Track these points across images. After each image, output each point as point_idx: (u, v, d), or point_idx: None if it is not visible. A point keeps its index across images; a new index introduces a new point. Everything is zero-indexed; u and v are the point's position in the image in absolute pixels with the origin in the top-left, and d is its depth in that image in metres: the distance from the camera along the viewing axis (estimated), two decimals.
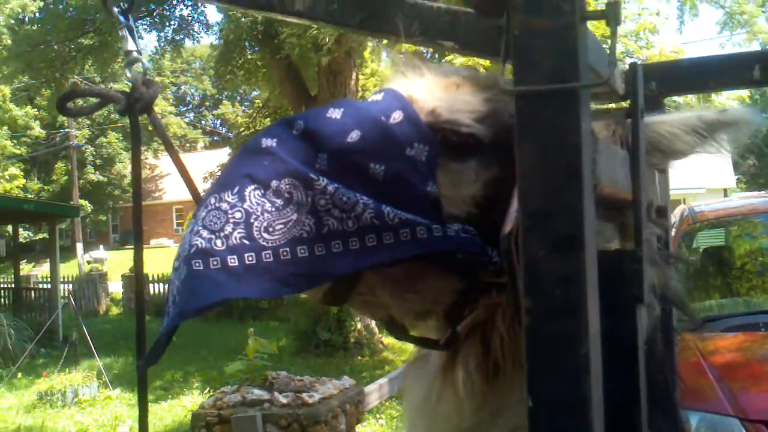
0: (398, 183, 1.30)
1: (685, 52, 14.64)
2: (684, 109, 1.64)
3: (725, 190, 35.33)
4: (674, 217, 7.56)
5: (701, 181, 33.09)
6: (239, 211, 1.24)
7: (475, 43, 1.61)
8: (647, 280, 1.31)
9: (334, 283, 1.37)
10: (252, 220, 1.23)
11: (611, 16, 1.02)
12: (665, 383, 1.53)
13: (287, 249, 1.23)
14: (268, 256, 1.22)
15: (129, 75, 1.87)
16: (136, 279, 2.00)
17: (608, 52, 1.04)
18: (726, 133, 1.49)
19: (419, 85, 1.51)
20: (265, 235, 1.23)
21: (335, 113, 1.37)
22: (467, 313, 1.45)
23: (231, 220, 1.23)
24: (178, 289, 1.25)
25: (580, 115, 0.98)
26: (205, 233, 1.23)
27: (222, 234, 1.23)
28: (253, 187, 1.26)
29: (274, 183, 1.26)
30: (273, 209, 1.25)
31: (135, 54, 1.91)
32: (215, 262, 1.21)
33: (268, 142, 1.31)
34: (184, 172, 1.88)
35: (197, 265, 1.21)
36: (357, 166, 1.30)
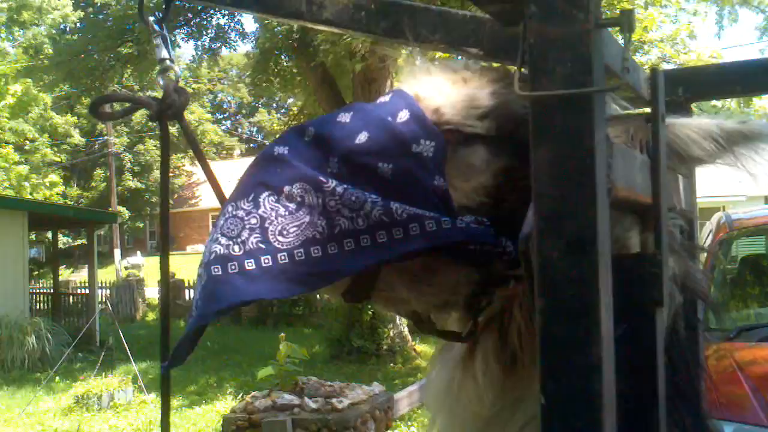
0: (406, 180, 1.33)
1: (724, 57, 14.45)
2: (717, 115, 1.64)
3: (766, 198, 34.66)
4: (711, 224, 7.45)
5: (741, 189, 32.56)
6: (254, 217, 1.30)
7: (499, 50, 1.63)
8: (668, 271, 1.32)
9: (354, 281, 1.42)
10: (267, 225, 1.29)
11: (625, 23, 1.04)
12: (688, 373, 1.52)
13: (301, 250, 1.28)
14: (283, 258, 1.27)
15: (161, 82, 1.93)
16: (162, 280, 2.04)
17: (623, 58, 1.06)
18: (745, 146, 1.44)
19: (426, 83, 1.53)
20: (280, 238, 1.28)
21: (345, 117, 1.42)
22: (485, 304, 1.46)
23: (247, 226, 1.29)
24: (200, 294, 1.30)
25: (594, 120, 1.00)
26: (223, 240, 1.29)
27: (239, 240, 1.28)
28: (267, 193, 1.32)
29: (286, 188, 1.31)
30: (286, 213, 1.30)
31: (168, 62, 1.97)
32: (233, 267, 1.26)
33: (280, 150, 1.37)
34: (212, 178, 1.94)
35: (216, 270, 1.27)
36: (366, 167, 1.34)
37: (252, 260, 1.27)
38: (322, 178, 1.31)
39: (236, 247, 1.28)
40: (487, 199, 1.40)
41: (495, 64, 1.62)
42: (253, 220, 1.30)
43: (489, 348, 1.44)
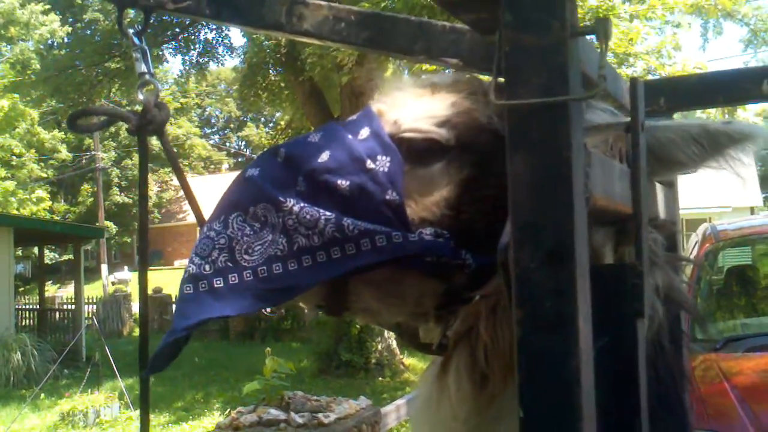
0: (361, 195, 1.39)
1: (709, 68, 14.55)
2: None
3: (752, 209, 34.84)
4: (696, 236, 7.47)
5: (727, 200, 32.73)
6: (224, 237, 1.40)
7: (478, 60, 1.63)
8: (649, 283, 1.32)
9: (328, 294, 1.49)
10: (234, 245, 1.39)
11: (601, 31, 1.03)
12: (674, 385, 1.51)
13: (264, 267, 1.37)
14: (248, 275, 1.37)
15: (141, 97, 1.92)
16: (141, 292, 2.03)
17: (600, 66, 1.05)
18: (730, 148, 1.42)
19: (392, 98, 1.57)
20: (246, 257, 1.38)
21: (315, 137, 1.50)
22: (453, 318, 1.47)
23: (217, 246, 1.40)
24: (175, 311, 1.41)
25: (570, 129, 0.99)
26: (196, 259, 1.40)
27: (210, 259, 1.39)
28: (235, 214, 1.42)
29: (251, 209, 1.41)
30: (251, 233, 1.40)
31: (147, 76, 1.96)
32: (203, 285, 1.38)
33: (252, 172, 1.46)
34: (189, 193, 1.97)
35: (188, 289, 1.38)
36: (327, 184, 1.41)
37: (221, 278, 1.37)
38: (281, 198, 1.39)
39: (207, 266, 1.38)
40: (448, 211, 1.42)
41: (483, 77, 1.61)
42: (222, 240, 1.40)
43: (461, 364, 1.44)
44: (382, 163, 1.41)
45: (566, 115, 0.99)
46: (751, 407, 4.65)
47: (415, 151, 1.45)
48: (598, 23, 1.04)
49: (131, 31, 1.97)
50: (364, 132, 1.46)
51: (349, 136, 1.46)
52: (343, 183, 1.40)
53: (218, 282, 1.37)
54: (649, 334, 1.38)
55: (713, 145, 1.42)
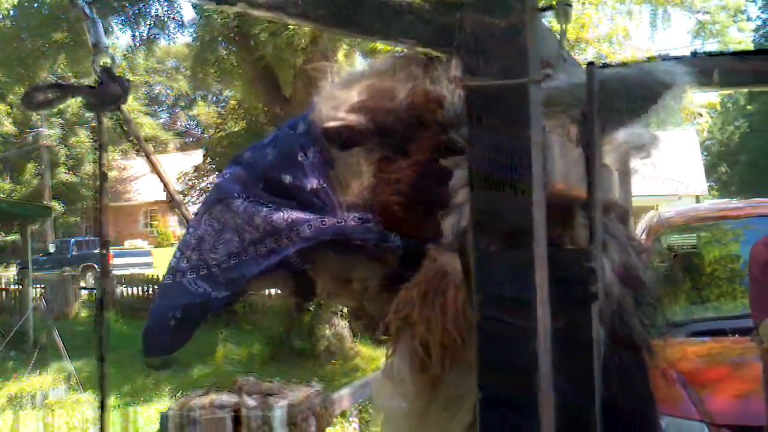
0: (296, 186, 1.54)
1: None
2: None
3: (697, 197, 35.60)
4: (644, 222, 7.59)
5: (674, 188, 33.38)
6: (195, 237, 1.61)
7: (435, 40, 1.61)
8: (605, 265, 1.33)
9: (295, 283, 1.65)
10: (202, 244, 1.59)
11: (561, 13, 1.03)
12: (638, 368, 1.51)
13: (225, 260, 1.56)
14: (214, 267, 1.56)
15: (96, 69, 1.87)
16: (101, 273, 2.03)
17: (559, 47, 1.05)
18: (650, 100, 1.39)
19: (326, 90, 1.68)
20: (212, 255, 1.57)
21: (269, 137, 1.68)
22: (391, 304, 1.50)
23: (191, 243, 1.61)
24: (155, 299, 1.65)
25: (529, 110, 0.99)
26: (177, 254, 1.62)
27: (185, 255, 1.60)
28: (207, 215, 1.61)
29: (215, 208, 1.60)
30: (213, 231, 1.59)
31: (103, 48, 1.90)
32: (179, 277, 1.59)
33: (224, 175, 1.65)
34: (156, 169, 1.98)
35: (168, 279, 1.61)
36: (276, 180, 1.56)
37: (193, 271, 1.58)
38: (230, 199, 1.57)
39: (184, 261, 1.59)
40: (371, 195, 1.53)
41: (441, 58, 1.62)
42: (194, 240, 1.60)
43: (402, 350, 1.49)
44: (312, 154, 1.55)
45: (526, 97, 0.99)
46: (695, 390, 4.76)
47: (341, 140, 1.56)
48: (559, 5, 1.03)
49: (81, 1, 1.90)
50: (301, 126, 1.60)
51: (291, 132, 1.61)
52: (286, 177, 1.55)
53: (191, 274, 1.57)
54: (607, 312, 1.39)
55: (632, 98, 1.40)
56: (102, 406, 2.02)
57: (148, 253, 33.60)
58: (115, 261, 23.21)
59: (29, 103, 1.93)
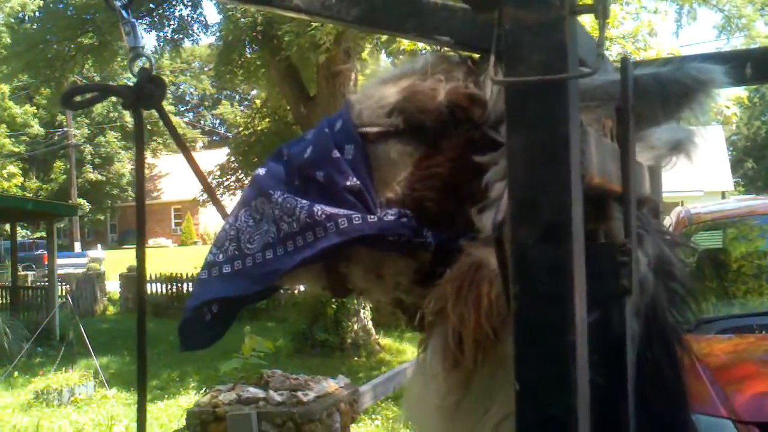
0: (330, 183, 1.54)
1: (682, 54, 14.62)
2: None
3: (723, 193, 35.25)
4: (670, 219, 7.55)
5: (699, 184, 33.09)
6: (234, 229, 1.61)
7: (471, 39, 1.63)
8: (639, 256, 1.33)
9: (327, 277, 1.63)
10: (240, 235, 1.60)
11: (600, 10, 1.04)
12: (670, 362, 1.50)
13: (260, 254, 1.56)
14: (249, 261, 1.57)
15: (134, 71, 1.91)
16: (138, 271, 2.06)
17: (598, 44, 1.06)
18: (684, 98, 1.38)
19: (363, 88, 1.70)
20: (249, 246, 1.58)
21: (308, 134, 1.67)
22: (429, 299, 1.50)
23: (228, 237, 1.61)
24: (193, 291, 1.65)
25: (568, 106, 1.00)
26: (214, 249, 1.62)
27: (223, 248, 1.61)
28: (244, 210, 1.62)
29: (253, 203, 1.61)
30: (252, 224, 1.59)
31: (140, 49, 1.95)
32: (215, 271, 1.59)
33: (260, 171, 1.65)
34: (195, 166, 2.05)
35: (204, 274, 1.61)
36: (311, 177, 1.57)
37: (229, 265, 1.58)
38: (271, 191, 1.57)
39: (221, 255, 1.60)
40: (407, 190, 1.54)
41: (475, 55, 1.63)
42: (233, 232, 1.61)
43: (435, 344, 1.50)
44: (347, 152, 1.55)
45: (565, 93, 1.00)
46: (722, 388, 4.73)
47: (374, 137, 1.57)
48: (597, 1, 1.04)
49: (119, 3, 1.94)
50: (338, 124, 1.61)
51: (327, 130, 1.61)
52: (320, 174, 1.55)
53: (227, 268, 1.57)
54: (641, 306, 1.39)
55: (666, 96, 1.38)
56: (140, 407, 2.06)
57: (84, 254, 35.81)
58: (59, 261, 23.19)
59: (69, 103, 1.97)
